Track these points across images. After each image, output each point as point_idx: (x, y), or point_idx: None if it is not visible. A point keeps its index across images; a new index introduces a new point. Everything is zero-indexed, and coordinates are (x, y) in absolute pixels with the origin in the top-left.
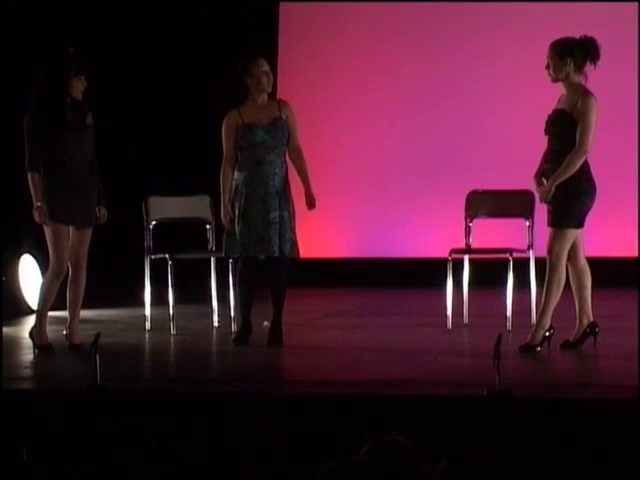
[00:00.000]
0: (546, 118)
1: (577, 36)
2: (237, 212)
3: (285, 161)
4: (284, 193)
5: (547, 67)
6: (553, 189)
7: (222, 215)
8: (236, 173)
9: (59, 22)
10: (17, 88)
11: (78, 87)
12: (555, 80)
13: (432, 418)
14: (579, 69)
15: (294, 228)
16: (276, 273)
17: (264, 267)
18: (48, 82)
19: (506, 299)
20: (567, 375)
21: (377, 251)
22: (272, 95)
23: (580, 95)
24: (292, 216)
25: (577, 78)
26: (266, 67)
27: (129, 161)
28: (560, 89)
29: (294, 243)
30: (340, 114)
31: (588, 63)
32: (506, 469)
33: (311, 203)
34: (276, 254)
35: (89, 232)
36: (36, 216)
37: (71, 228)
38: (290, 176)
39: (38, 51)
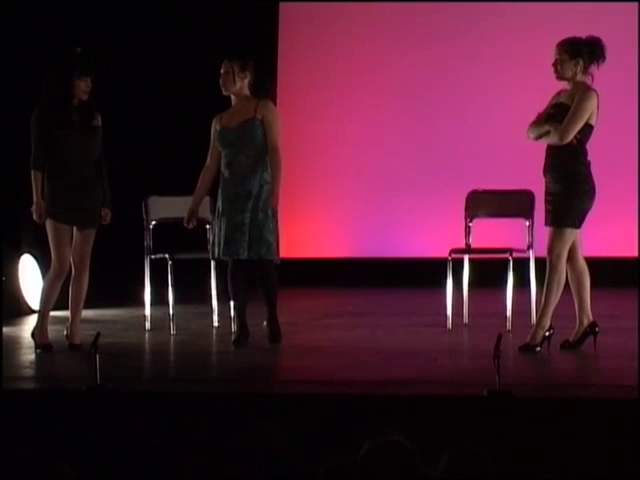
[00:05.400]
0: (545, 111)
1: (584, 36)
2: (216, 213)
3: (262, 162)
4: (259, 195)
5: (554, 64)
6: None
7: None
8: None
9: (66, 22)
10: (22, 88)
11: (82, 88)
12: (561, 78)
13: (432, 418)
14: (585, 70)
15: (274, 230)
16: (261, 274)
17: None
18: (53, 83)
19: (506, 299)
20: (567, 375)
21: (377, 251)
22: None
23: (582, 90)
24: (270, 218)
25: (583, 78)
26: (222, 69)
27: (129, 161)
28: (559, 86)
29: (271, 245)
30: (340, 114)
31: (594, 64)
32: (506, 469)
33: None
34: (245, 256)
35: (92, 232)
36: (34, 214)
37: (75, 228)
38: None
39: (47, 51)
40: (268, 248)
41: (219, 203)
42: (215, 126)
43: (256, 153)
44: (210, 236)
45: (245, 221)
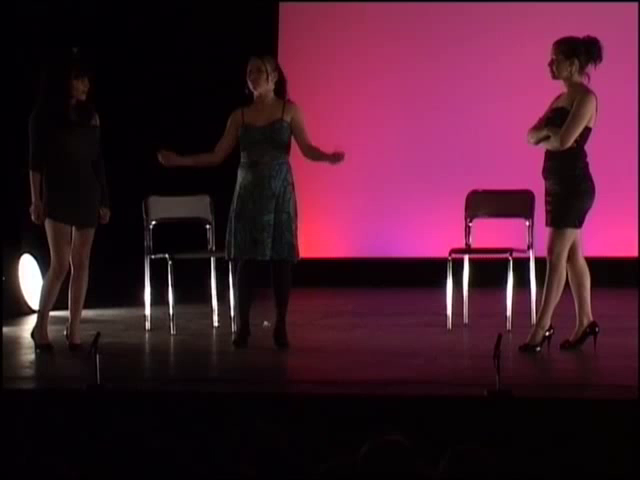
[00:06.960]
0: (544, 116)
1: (581, 36)
2: (234, 213)
3: (286, 163)
4: (283, 195)
5: (550, 64)
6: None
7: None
8: (238, 173)
9: (64, 22)
10: (21, 88)
11: (80, 88)
12: (556, 78)
13: (432, 418)
14: (582, 69)
15: (294, 231)
16: (278, 276)
17: (266, 268)
18: (50, 83)
19: (506, 299)
20: (567, 375)
21: (377, 251)
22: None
23: (581, 93)
24: (292, 219)
25: (579, 78)
26: (251, 67)
27: (129, 161)
28: (560, 89)
29: (292, 247)
30: (340, 114)
31: (590, 64)
32: (506, 469)
33: (337, 157)
34: (267, 257)
35: (91, 232)
36: (32, 215)
37: (73, 228)
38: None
39: (43, 51)
40: (290, 249)
41: (239, 203)
42: (236, 121)
43: (281, 154)
44: (227, 236)
45: (270, 222)
